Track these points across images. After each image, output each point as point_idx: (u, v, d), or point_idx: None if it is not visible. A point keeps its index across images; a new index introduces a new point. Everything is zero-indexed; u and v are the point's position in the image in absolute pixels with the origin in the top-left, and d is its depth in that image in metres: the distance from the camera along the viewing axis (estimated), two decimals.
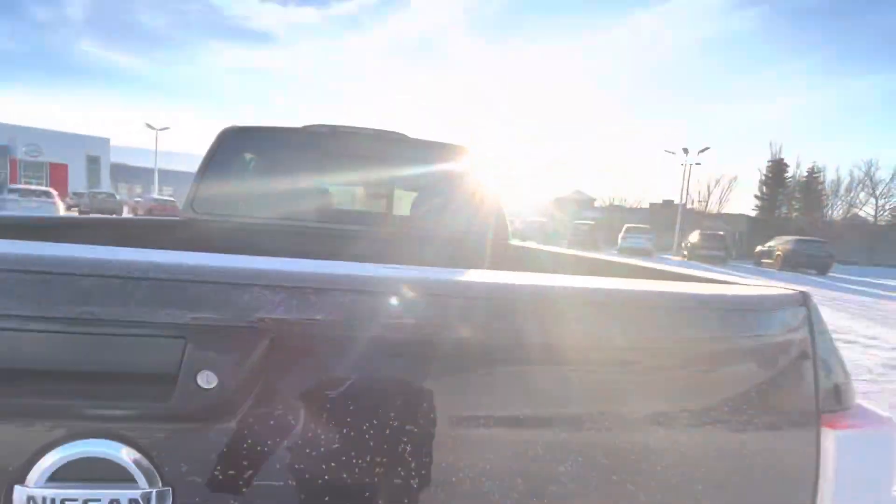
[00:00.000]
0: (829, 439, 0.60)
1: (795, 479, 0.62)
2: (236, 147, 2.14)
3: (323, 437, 0.51)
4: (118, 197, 28.35)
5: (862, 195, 39.49)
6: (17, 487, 0.45)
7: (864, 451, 0.62)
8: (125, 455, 0.47)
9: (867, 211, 39.22)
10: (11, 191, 15.13)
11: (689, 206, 36.85)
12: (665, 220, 34.93)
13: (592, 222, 28.41)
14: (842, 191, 39.22)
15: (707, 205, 36.29)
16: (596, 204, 45.14)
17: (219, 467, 0.49)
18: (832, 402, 0.63)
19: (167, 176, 46.44)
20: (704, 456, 0.60)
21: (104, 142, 49.09)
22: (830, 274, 19.18)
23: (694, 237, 22.47)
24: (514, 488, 0.55)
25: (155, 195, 31.12)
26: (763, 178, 41.23)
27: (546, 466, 0.55)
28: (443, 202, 2.28)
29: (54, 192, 15.18)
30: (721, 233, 23.65)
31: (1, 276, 0.46)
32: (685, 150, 30.41)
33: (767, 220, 37.66)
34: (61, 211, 14.93)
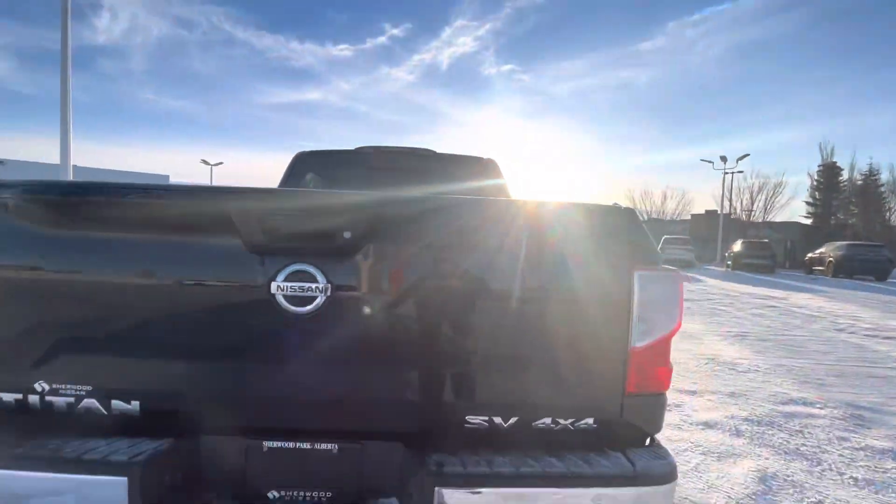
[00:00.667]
0: (636, 279, 1.06)
1: (621, 301, 1.07)
2: (306, 165, 2.76)
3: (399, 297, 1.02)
4: None
5: None
6: (272, 283, 0.99)
7: (657, 281, 1.08)
8: (312, 270, 1.00)
9: None
10: None
11: (732, 215, 35.49)
12: (708, 230, 33.76)
13: None
14: None
15: (751, 213, 34.78)
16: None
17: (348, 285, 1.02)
18: (640, 260, 1.09)
19: None
20: (576, 292, 1.06)
21: (164, 179, 53.50)
22: (890, 280, 18.02)
23: (737, 246, 21.73)
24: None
25: None
26: (814, 183, 39.19)
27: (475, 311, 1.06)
28: None
29: None
30: (766, 240, 22.74)
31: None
32: (723, 159, 29.62)
33: (821, 227, 35.59)
34: None
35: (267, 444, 1.05)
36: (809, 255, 20.96)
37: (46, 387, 1.04)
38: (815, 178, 39.07)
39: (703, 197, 54.14)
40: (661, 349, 1.11)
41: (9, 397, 1.05)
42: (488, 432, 1.06)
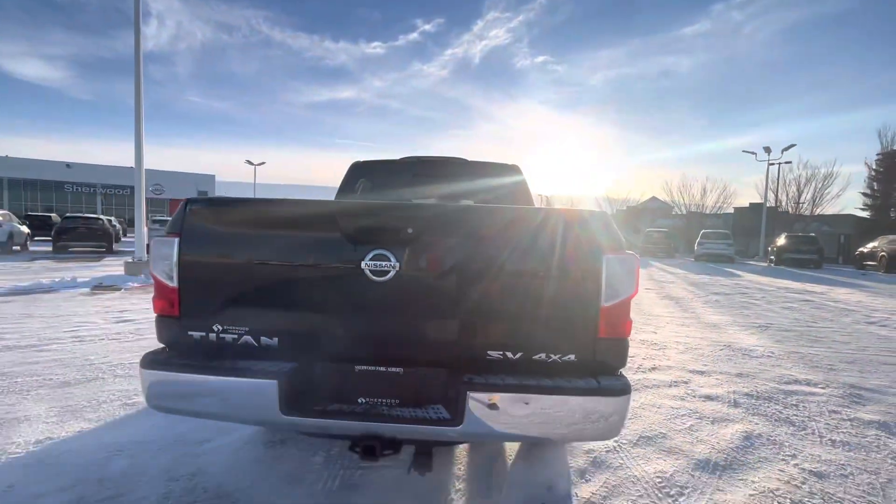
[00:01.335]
0: (605, 260, 1.53)
1: (595, 279, 1.53)
2: (360, 172, 3.35)
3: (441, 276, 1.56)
4: None
5: None
6: (362, 262, 1.54)
7: (620, 262, 1.54)
8: (387, 254, 1.54)
9: None
10: (154, 221, 18.70)
11: (780, 208, 33.95)
12: (753, 224, 32.52)
13: (666, 230, 27.46)
14: None
15: (798, 206, 33.10)
16: (674, 212, 43.07)
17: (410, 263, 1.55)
18: (608, 247, 1.55)
19: None
20: (564, 268, 1.54)
21: (210, 178, 56.60)
22: None
23: (781, 240, 21.00)
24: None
25: None
26: (872, 173, 36.82)
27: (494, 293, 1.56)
28: (491, 201, 3.30)
29: None
30: (812, 234, 21.81)
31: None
32: (767, 150, 28.43)
33: (879, 220, 33.47)
34: None
35: (357, 367, 1.61)
36: (860, 249, 20.01)
37: (220, 328, 1.64)
38: (873, 167, 36.70)
39: (747, 189, 51.74)
40: (623, 308, 1.58)
41: (197, 335, 1.66)
42: (502, 362, 1.57)
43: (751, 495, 2.08)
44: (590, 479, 2.18)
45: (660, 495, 2.06)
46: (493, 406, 1.45)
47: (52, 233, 15.45)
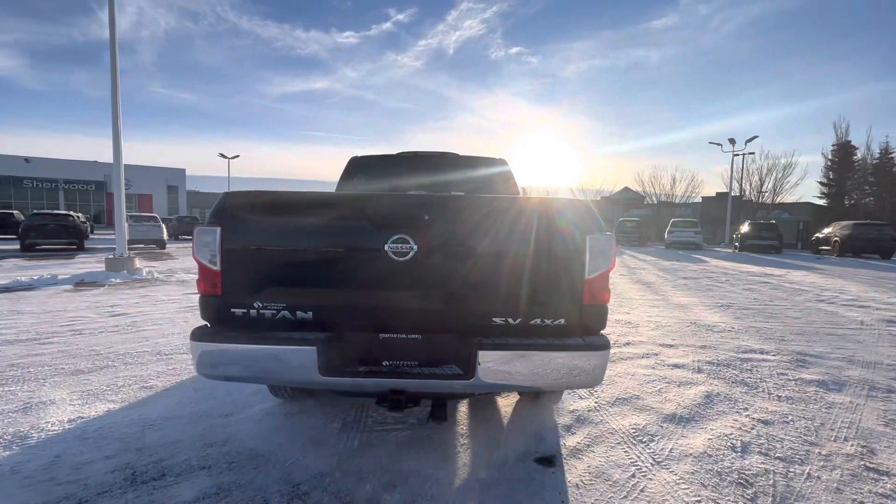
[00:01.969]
0: (587, 240, 1.85)
1: (580, 256, 1.86)
2: (359, 167, 3.59)
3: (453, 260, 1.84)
4: (199, 220, 31.87)
5: None
6: (385, 245, 1.81)
7: (600, 241, 1.86)
8: (408, 237, 1.81)
9: None
10: (128, 217, 18.26)
11: (744, 197, 35.56)
12: (719, 212, 33.99)
13: (638, 219, 28.43)
14: None
15: (760, 195, 34.76)
16: (646, 202, 44.47)
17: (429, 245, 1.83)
18: (590, 229, 1.87)
19: None
20: (554, 247, 1.86)
21: (181, 172, 54.92)
22: None
23: (745, 227, 22.13)
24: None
25: None
26: (828, 162, 38.91)
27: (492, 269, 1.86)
28: (482, 193, 3.59)
29: (159, 217, 18.04)
30: (773, 221, 23.05)
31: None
32: (731, 141, 29.72)
33: (834, 208, 35.52)
34: (165, 232, 17.67)
35: (381, 335, 1.88)
36: (816, 235, 21.31)
37: (260, 305, 1.88)
38: (829, 157, 38.80)
39: (714, 179, 53.84)
40: (603, 279, 1.90)
41: (239, 311, 1.90)
42: (505, 327, 1.88)
43: (709, 439, 2.46)
44: (574, 433, 2.52)
45: (634, 442, 2.42)
46: (500, 360, 1.75)
47: (20, 230, 14.93)
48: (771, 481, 2.06)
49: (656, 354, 4.07)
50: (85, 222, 20.07)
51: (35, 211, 16.80)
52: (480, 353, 1.75)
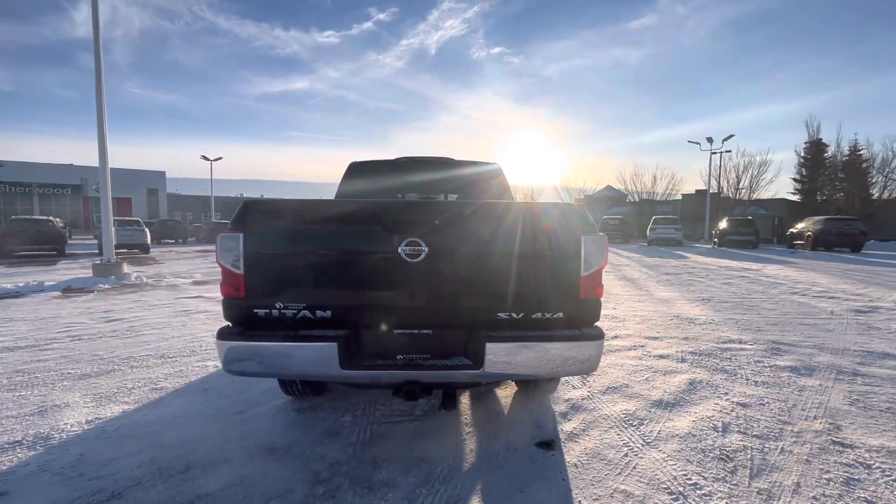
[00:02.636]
0: (582, 240, 2.04)
1: (576, 255, 2.04)
2: (357, 171, 3.73)
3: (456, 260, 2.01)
4: (182, 223, 31.42)
5: None
6: (399, 248, 1.96)
7: (594, 241, 2.05)
8: (419, 240, 1.97)
9: None
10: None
11: (722, 194, 36.58)
12: (699, 209, 34.90)
13: (620, 217, 29.03)
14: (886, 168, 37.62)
15: (737, 192, 35.81)
16: (628, 199, 45.35)
17: (440, 245, 1.99)
18: (584, 230, 2.06)
19: (215, 203, 49.89)
20: (552, 248, 2.04)
21: (161, 175, 53.83)
22: (864, 251, 19.20)
23: (723, 224, 22.83)
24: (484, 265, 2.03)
25: (213, 219, 34.84)
26: (801, 160, 40.29)
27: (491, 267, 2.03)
28: (475, 196, 3.77)
29: (142, 221, 17.78)
30: (749, 217, 23.83)
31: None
32: (709, 140, 30.56)
33: (807, 203, 36.80)
34: (148, 236, 17.43)
35: (396, 331, 2.04)
36: (790, 230, 22.11)
37: (282, 306, 2.02)
38: (802, 154, 40.18)
39: (693, 177, 55.26)
40: (597, 276, 2.09)
41: (262, 312, 2.03)
42: (509, 321, 2.05)
43: (693, 421, 2.68)
44: (570, 419, 2.72)
45: (625, 425, 2.63)
46: (506, 351, 1.93)
47: None
48: (749, 456, 2.28)
49: (643, 346, 4.31)
50: (64, 227, 19.64)
51: (13, 217, 16.40)
52: (488, 345, 1.92)
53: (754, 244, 21.55)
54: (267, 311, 2.03)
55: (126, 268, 9.42)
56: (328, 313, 2.03)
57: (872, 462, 2.22)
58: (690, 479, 2.06)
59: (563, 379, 3.37)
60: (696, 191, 39.77)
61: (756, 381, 3.36)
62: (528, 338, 1.95)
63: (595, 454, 2.29)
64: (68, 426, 2.59)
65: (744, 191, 35.33)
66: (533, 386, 2.99)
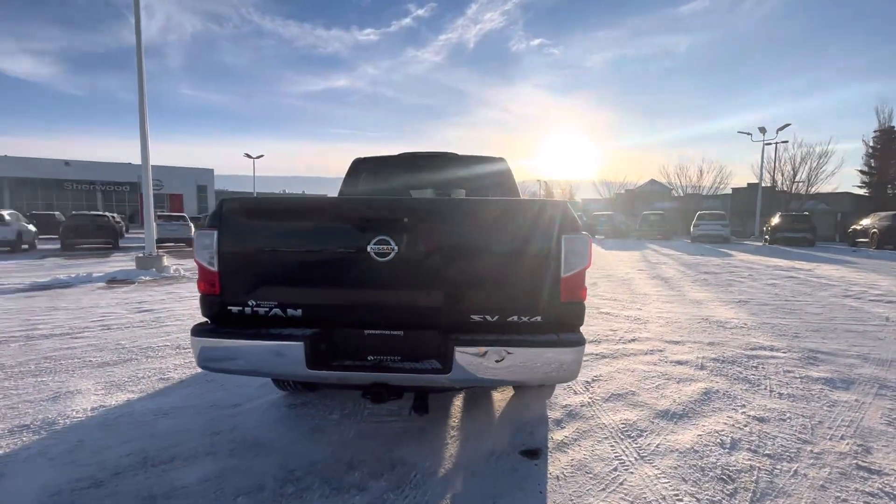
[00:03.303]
0: (562, 239, 1.90)
1: (556, 256, 1.91)
2: (362, 167, 3.71)
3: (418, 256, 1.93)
4: None
5: None
6: (368, 246, 1.91)
7: (576, 241, 1.91)
8: (388, 239, 1.91)
9: None
10: (158, 217, 19.05)
11: (777, 188, 34.18)
12: (750, 204, 32.80)
13: (662, 212, 27.75)
14: None
15: (793, 185, 33.31)
16: (673, 194, 43.33)
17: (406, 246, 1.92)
18: (566, 229, 1.91)
19: None
20: (532, 247, 1.92)
21: (209, 172, 56.75)
22: None
23: (775, 219, 21.32)
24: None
25: None
26: (869, 150, 36.96)
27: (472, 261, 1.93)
28: (480, 192, 3.66)
29: (187, 216, 18.77)
30: (806, 213, 22.12)
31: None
32: (762, 130, 28.57)
33: (875, 197, 33.72)
34: (193, 231, 18.38)
35: (366, 331, 1.99)
36: (853, 226, 20.34)
37: (254, 303, 2.02)
38: (871, 144, 36.82)
39: (744, 170, 51.95)
40: (579, 278, 1.95)
41: (235, 309, 2.04)
42: (483, 324, 1.95)
43: (699, 435, 2.48)
44: (564, 427, 2.58)
45: (621, 437, 2.46)
46: (476, 356, 1.83)
47: (60, 230, 15.82)
48: (754, 477, 2.07)
49: (661, 351, 4.06)
50: (119, 222, 21.06)
51: (74, 212, 17.73)
52: (457, 349, 1.83)
53: (810, 242, 20.00)
54: (241, 308, 2.03)
55: (166, 261, 9.94)
56: (299, 312, 2.01)
57: None
58: (681, 501, 1.89)
59: (556, 387, 3.22)
60: (748, 184, 37.35)
61: (781, 394, 3.07)
62: (501, 342, 1.84)
63: (581, 466, 2.16)
64: (75, 412, 2.73)
65: (801, 184, 32.88)
66: (528, 389, 2.87)
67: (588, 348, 4.09)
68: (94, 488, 1.96)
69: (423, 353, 1.98)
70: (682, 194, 41.32)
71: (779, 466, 2.17)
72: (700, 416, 2.73)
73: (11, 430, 2.50)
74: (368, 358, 1.99)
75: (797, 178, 33.12)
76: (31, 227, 15.99)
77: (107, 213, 17.63)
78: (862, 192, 36.26)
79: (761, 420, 2.66)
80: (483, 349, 1.83)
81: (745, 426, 2.58)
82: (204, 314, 2.12)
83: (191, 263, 11.82)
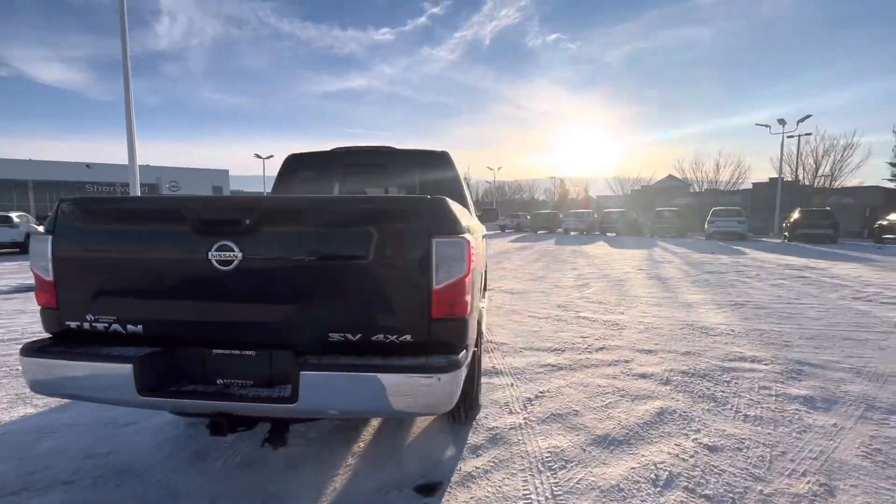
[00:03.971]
0: (433, 244, 1.59)
1: (425, 263, 1.60)
2: (295, 164, 3.45)
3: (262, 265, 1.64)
4: None
5: None
6: (209, 252, 1.63)
7: (449, 245, 1.59)
8: (230, 243, 1.63)
9: None
10: None
11: (800, 183, 32.74)
12: (772, 200, 31.49)
13: (676, 208, 26.86)
14: None
15: (816, 179, 31.80)
16: (692, 190, 42.00)
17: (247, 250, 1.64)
18: (437, 231, 1.60)
19: None
20: (395, 253, 1.61)
21: (224, 173, 57.69)
22: None
23: (795, 215, 20.32)
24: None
25: None
26: None
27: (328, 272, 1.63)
28: (420, 189, 3.36)
29: None
30: (827, 208, 21.04)
31: None
32: (781, 122, 27.33)
33: None
34: None
35: (214, 351, 1.72)
36: (879, 222, 19.24)
37: (92, 318, 1.76)
38: None
39: (765, 164, 50.01)
40: (456, 289, 1.63)
41: (74, 325, 1.79)
42: (344, 343, 1.66)
43: (631, 468, 2.13)
44: (481, 454, 2.26)
45: (541, 468, 2.14)
46: (326, 382, 1.54)
47: None
48: None
49: (627, 362, 3.69)
50: None
51: None
52: (303, 374, 1.54)
53: (832, 238, 18.97)
54: (79, 323, 1.79)
55: None
56: (140, 328, 1.75)
57: None
58: None
59: (502, 401, 2.90)
60: (770, 179, 35.92)
61: (747, 416, 2.69)
62: (352, 367, 1.55)
63: None
64: None
65: (824, 178, 31.43)
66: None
67: (547, 359, 3.76)
68: None
69: (279, 377, 1.70)
70: (701, 190, 39.99)
71: None
72: (643, 442, 2.38)
73: None
74: (217, 381, 1.72)
75: (820, 172, 31.64)
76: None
77: None
78: (893, 185, 34.51)
79: (713, 450, 2.30)
80: (332, 374, 1.54)
81: (691, 457, 2.23)
82: (45, 330, 1.88)
83: None
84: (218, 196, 1.85)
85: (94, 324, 1.77)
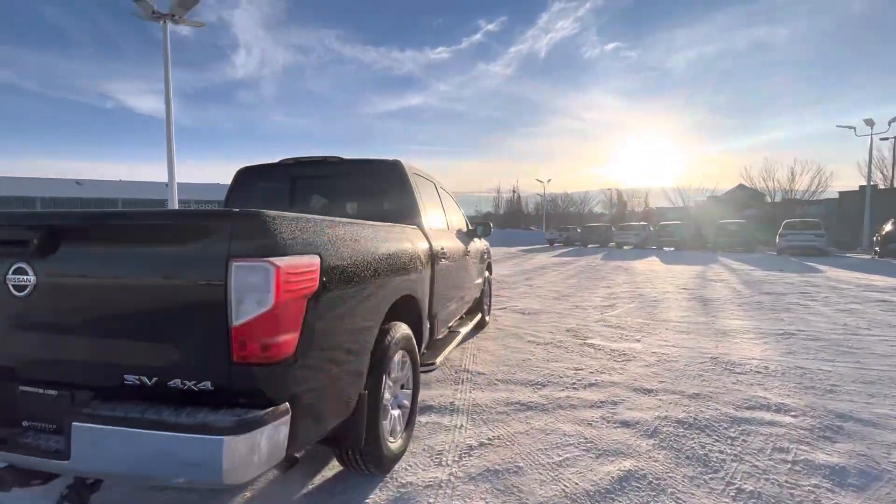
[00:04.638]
0: (232, 269, 1.27)
1: (220, 293, 1.28)
2: (244, 178, 3.29)
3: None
4: None
5: None
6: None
7: (252, 271, 1.27)
8: (24, 265, 1.40)
9: None
10: None
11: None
12: (860, 210, 27.85)
13: (743, 221, 24.48)
14: None
15: None
16: (767, 199, 38.30)
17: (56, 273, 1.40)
18: (238, 253, 1.28)
19: None
20: (180, 282, 1.30)
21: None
22: None
23: (888, 227, 17.69)
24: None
25: None
26: None
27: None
28: (370, 202, 3.06)
29: None
30: None
31: None
32: (868, 122, 24.15)
33: None
34: None
35: (21, 388, 1.49)
36: None
37: None
38: None
39: (851, 170, 44.48)
40: (262, 326, 1.29)
41: None
42: (141, 388, 1.37)
43: None
44: None
45: None
46: (98, 438, 1.25)
47: None
48: None
49: (615, 403, 3.10)
50: None
51: None
52: (75, 425, 1.26)
53: None
54: None
55: None
56: None
57: None
58: None
59: (438, 447, 2.47)
60: (860, 187, 31.87)
61: (741, 491, 2.06)
62: (126, 420, 1.24)
63: None
64: None
65: None
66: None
67: (523, 395, 3.26)
68: None
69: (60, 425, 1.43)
70: (777, 200, 36.31)
71: None
72: None
73: None
74: (23, 424, 1.49)
75: None
76: None
77: None
78: None
79: None
80: (105, 427, 1.25)
81: None
82: None
83: None
84: (14, 211, 1.64)
85: None
